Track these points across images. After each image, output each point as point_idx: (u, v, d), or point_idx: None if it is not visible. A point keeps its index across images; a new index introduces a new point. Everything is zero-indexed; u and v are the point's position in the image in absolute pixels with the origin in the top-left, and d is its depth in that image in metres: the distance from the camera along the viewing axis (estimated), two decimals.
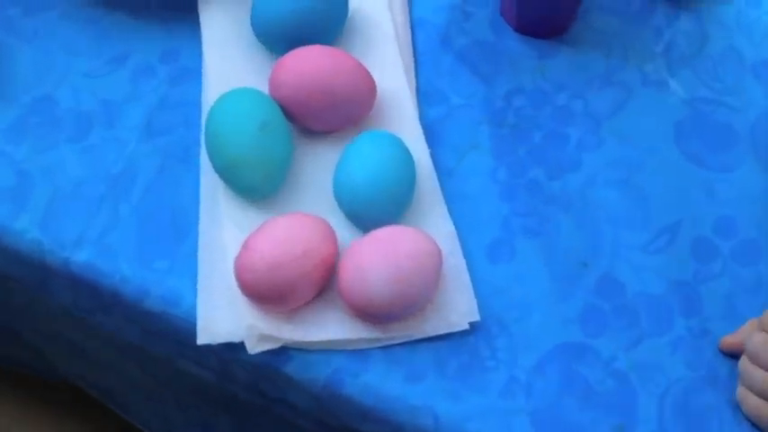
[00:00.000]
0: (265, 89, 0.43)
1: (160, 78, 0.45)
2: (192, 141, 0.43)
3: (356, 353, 0.38)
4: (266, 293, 0.35)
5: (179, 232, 0.41)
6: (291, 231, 0.36)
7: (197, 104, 0.44)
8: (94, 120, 0.44)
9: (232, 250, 0.39)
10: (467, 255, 0.41)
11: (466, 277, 0.40)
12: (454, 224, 0.41)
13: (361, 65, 0.42)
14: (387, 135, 0.41)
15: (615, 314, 0.40)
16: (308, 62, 0.41)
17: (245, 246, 0.36)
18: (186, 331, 0.39)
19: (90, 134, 0.43)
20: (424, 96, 0.46)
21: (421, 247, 0.36)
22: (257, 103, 0.40)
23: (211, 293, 0.38)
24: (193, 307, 0.39)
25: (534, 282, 0.41)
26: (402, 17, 0.47)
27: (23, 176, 0.42)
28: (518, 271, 0.41)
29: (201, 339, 0.37)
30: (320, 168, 0.42)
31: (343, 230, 0.40)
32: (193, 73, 0.45)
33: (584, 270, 0.41)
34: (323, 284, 0.38)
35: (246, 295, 0.36)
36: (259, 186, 0.39)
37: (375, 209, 0.39)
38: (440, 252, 0.38)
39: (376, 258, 0.35)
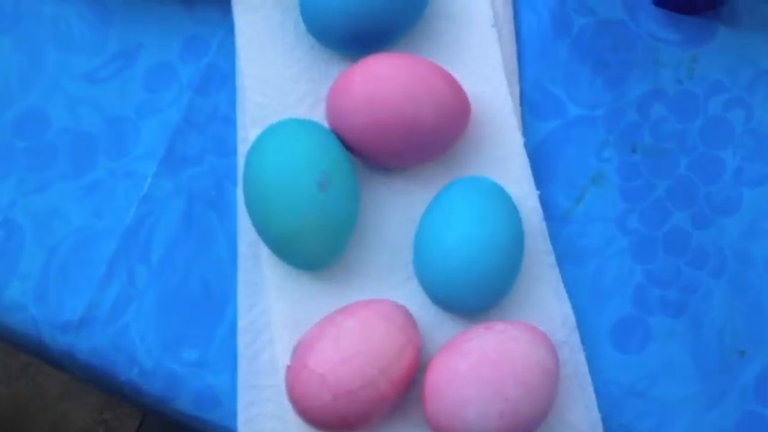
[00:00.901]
0: (321, 106, 0.32)
1: (182, 83, 0.34)
2: (226, 175, 0.33)
3: None
4: (330, 422, 0.27)
5: (213, 307, 0.31)
6: (362, 342, 0.26)
7: (231, 121, 0.33)
8: (98, 145, 0.33)
9: (281, 342, 0.30)
10: (585, 340, 0.31)
11: (587, 381, 0.30)
12: (568, 295, 0.31)
13: (453, 81, 0.31)
14: (485, 184, 0.30)
15: None
16: (381, 82, 0.29)
17: (301, 361, 0.27)
18: None
19: (93, 167, 0.33)
20: (530, 106, 0.34)
21: (536, 364, 0.27)
22: (314, 146, 0.29)
23: (256, 397, 0.30)
24: (233, 412, 0.30)
25: (676, 380, 0.31)
26: None
27: (11, 229, 0.33)
28: (655, 364, 0.31)
29: None
30: (394, 221, 0.31)
31: (423, 308, 0.30)
32: (225, 74, 0.34)
33: (740, 361, 0.32)
34: (402, 396, 0.29)
35: (303, 420, 0.28)
36: (317, 260, 0.30)
37: (472, 297, 0.29)
38: (558, 365, 0.28)
39: (477, 387, 0.26)
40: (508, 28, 0.34)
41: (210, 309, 0.31)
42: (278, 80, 0.33)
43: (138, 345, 0.31)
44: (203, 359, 0.31)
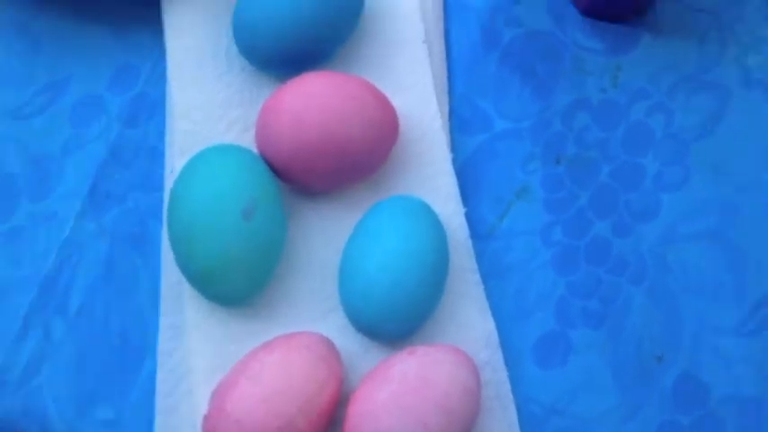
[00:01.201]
0: (251, 132, 0.32)
1: (110, 115, 0.34)
2: (151, 212, 0.32)
3: None
4: None
5: (130, 361, 0.31)
6: (282, 379, 0.27)
7: (159, 153, 0.33)
8: (21, 188, 0.33)
9: (200, 389, 0.29)
10: (508, 357, 0.32)
11: (509, 400, 0.31)
12: (492, 312, 0.32)
13: (382, 97, 0.31)
14: (410, 203, 0.31)
15: (696, 430, 0.32)
16: (310, 100, 0.29)
17: (218, 405, 0.27)
18: None
19: (14, 212, 0.32)
20: (458, 121, 0.34)
21: (458, 387, 0.28)
22: (240, 173, 0.29)
23: None
24: None
25: (596, 394, 0.32)
26: (437, 9, 0.34)
27: None
28: (575, 378, 0.32)
29: None
30: (321, 248, 0.32)
31: (348, 338, 0.30)
32: (154, 102, 0.34)
33: (658, 367, 0.33)
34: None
35: None
36: (240, 294, 0.30)
37: (395, 322, 0.30)
38: (479, 386, 0.29)
39: (398, 416, 0.27)
40: (439, 42, 0.34)
41: (128, 361, 0.31)
42: (208, 106, 0.33)
43: (50, 407, 0.30)
44: (118, 418, 0.30)
